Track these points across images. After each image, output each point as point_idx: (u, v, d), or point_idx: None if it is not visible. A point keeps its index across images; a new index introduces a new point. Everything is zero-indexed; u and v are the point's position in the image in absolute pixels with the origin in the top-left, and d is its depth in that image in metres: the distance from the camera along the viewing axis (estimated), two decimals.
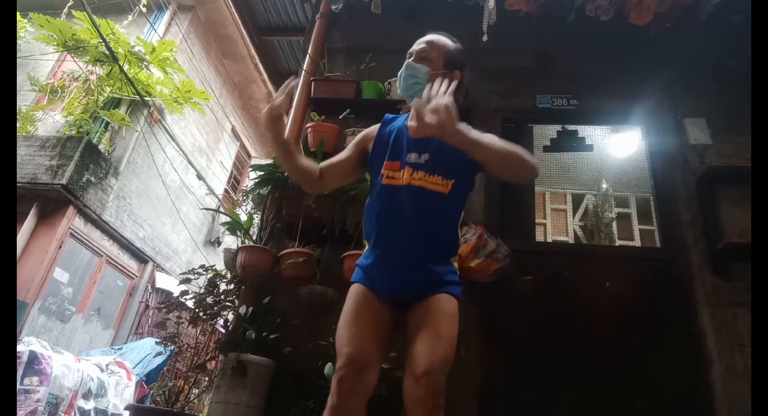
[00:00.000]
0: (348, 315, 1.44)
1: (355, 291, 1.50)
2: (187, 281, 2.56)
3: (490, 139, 1.26)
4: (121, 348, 5.69)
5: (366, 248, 1.58)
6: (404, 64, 1.56)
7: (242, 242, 2.58)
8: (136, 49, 5.87)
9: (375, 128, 1.64)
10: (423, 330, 1.35)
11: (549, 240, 5.26)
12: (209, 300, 2.45)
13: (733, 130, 2.74)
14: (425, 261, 1.44)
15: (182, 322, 2.64)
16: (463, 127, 1.20)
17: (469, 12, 3.10)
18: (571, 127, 3.28)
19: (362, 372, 1.31)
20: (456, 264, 1.55)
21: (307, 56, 3.30)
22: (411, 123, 1.30)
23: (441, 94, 1.21)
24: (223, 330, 2.56)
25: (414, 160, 1.47)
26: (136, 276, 7.16)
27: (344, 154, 1.64)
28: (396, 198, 1.47)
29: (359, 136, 1.67)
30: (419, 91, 1.45)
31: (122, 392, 4.68)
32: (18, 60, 6.42)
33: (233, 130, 9.30)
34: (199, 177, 7.94)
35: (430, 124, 1.18)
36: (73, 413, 4.06)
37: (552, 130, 3.37)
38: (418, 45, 1.60)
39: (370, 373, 1.33)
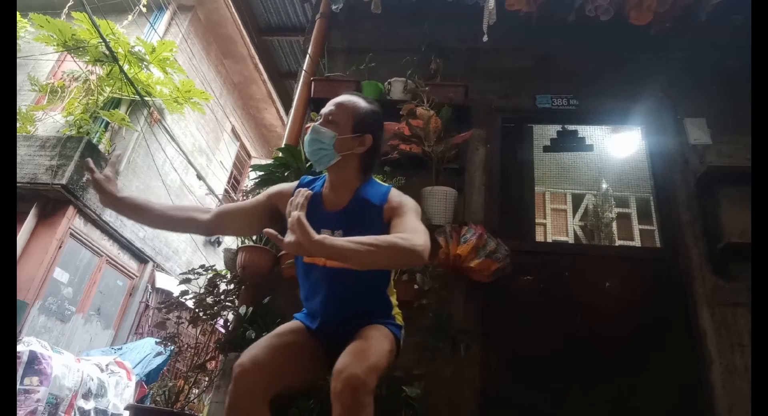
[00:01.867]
0: (272, 332, 1.46)
1: (291, 323, 1.53)
2: (187, 281, 2.56)
3: (359, 240, 1.14)
4: (121, 348, 5.69)
5: None
6: (310, 127, 1.48)
7: (242, 242, 2.58)
8: (136, 49, 5.87)
9: (290, 187, 1.53)
10: (352, 342, 1.32)
11: (549, 240, 5.27)
12: (209, 300, 2.44)
13: (733, 130, 2.74)
14: (354, 321, 1.44)
15: (182, 322, 2.64)
16: (324, 238, 1.10)
17: (469, 12, 3.10)
18: (571, 127, 3.28)
19: (262, 372, 1.29)
20: (397, 317, 1.55)
21: (307, 56, 3.30)
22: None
23: (293, 210, 1.12)
24: (223, 330, 2.56)
25: None
26: (136, 276, 7.16)
27: (249, 204, 1.56)
28: (317, 276, 1.46)
29: (271, 191, 1.56)
30: (325, 156, 1.44)
31: (122, 392, 4.68)
32: (18, 60, 6.42)
33: (233, 130, 9.30)
34: (199, 177, 7.94)
35: (290, 244, 1.09)
36: (73, 413, 4.06)
37: (552, 130, 3.37)
38: (327, 107, 1.50)
39: (274, 377, 1.30)
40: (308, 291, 1.51)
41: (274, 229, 1.11)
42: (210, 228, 1.53)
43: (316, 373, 1.54)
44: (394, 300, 1.57)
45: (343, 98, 1.51)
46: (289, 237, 1.10)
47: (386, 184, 1.54)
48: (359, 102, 1.51)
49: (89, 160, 1.50)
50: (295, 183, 1.58)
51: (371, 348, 1.28)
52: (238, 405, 1.26)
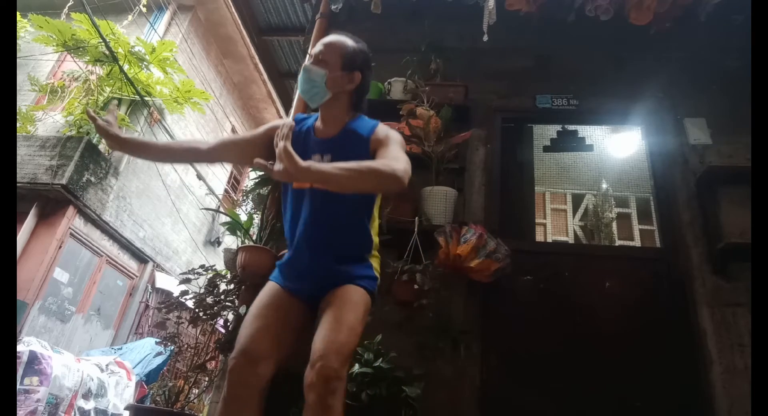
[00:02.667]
0: (253, 310, 1.48)
1: (266, 288, 1.56)
2: (187, 281, 2.56)
3: (343, 166, 1.23)
4: (121, 348, 5.70)
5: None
6: (302, 68, 1.56)
7: (242, 242, 2.57)
8: (136, 49, 5.87)
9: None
10: (324, 318, 1.37)
11: (549, 240, 5.27)
12: (209, 300, 2.44)
13: (733, 130, 2.74)
14: (331, 262, 1.48)
15: (182, 322, 2.64)
16: (310, 164, 1.17)
17: (469, 12, 3.10)
18: (571, 127, 3.28)
19: (254, 364, 1.34)
20: (374, 261, 1.58)
21: (307, 56, 3.29)
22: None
23: (279, 141, 1.18)
24: (223, 330, 2.56)
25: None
26: (136, 276, 7.16)
27: (248, 135, 1.65)
28: (302, 201, 1.52)
29: (270, 124, 1.64)
30: (317, 94, 1.52)
31: (122, 392, 4.68)
32: (18, 60, 6.42)
33: (233, 130, 9.30)
34: (199, 177, 7.95)
35: (278, 172, 1.16)
36: (73, 413, 4.06)
37: (552, 130, 3.37)
38: (317, 47, 1.57)
39: (263, 365, 1.36)
40: (291, 219, 1.56)
41: (269, 161, 1.20)
42: (211, 155, 1.61)
43: (307, 332, 1.55)
44: (376, 238, 1.60)
45: (332, 38, 1.59)
46: (278, 166, 1.16)
47: (375, 120, 1.61)
48: (347, 41, 1.58)
49: (90, 109, 1.63)
50: (289, 119, 1.70)
51: (343, 331, 1.32)
52: (236, 397, 1.33)
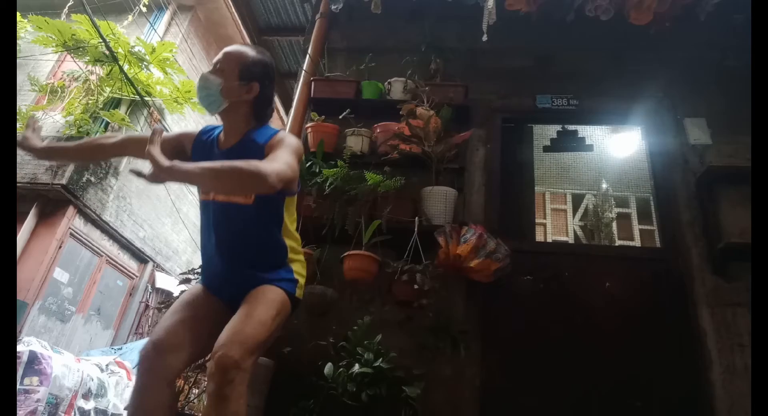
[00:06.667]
0: (172, 307, 1.51)
1: (191, 287, 1.61)
2: (187, 281, 2.56)
3: (206, 164, 1.25)
4: (121, 348, 5.69)
5: None
6: (200, 75, 1.58)
7: None
8: (136, 49, 5.87)
9: (194, 132, 1.68)
10: (236, 314, 1.39)
11: (549, 240, 5.27)
12: None
13: (733, 130, 2.74)
14: (244, 269, 1.50)
15: None
16: (173, 164, 1.19)
17: (469, 12, 3.10)
18: (571, 127, 3.28)
19: (162, 354, 1.37)
20: (296, 265, 1.59)
21: (307, 56, 3.30)
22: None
23: (147, 147, 1.22)
24: None
25: None
26: (136, 276, 7.16)
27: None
28: (208, 213, 1.55)
29: (181, 131, 1.74)
30: (213, 102, 1.54)
31: (122, 392, 4.68)
32: (18, 60, 6.42)
33: None
34: None
35: (149, 175, 1.19)
36: (73, 413, 4.05)
37: (552, 130, 3.37)
38: (218, 56, 1.59)
39: (172, 357, 1.38)
40: (202, 228, 1.59)
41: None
42: (115, 149, 1.67)
43: None
44: (292, 243, 1.60)
45: (232, 48, 1.61)
46: (147, 169, 1.20)
47: (277, 129, 1.62)
48: (247, 51, 1.59)
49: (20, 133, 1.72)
50: (196, 130, 1.72)
51: (251, 323, 1.34)
52: (144, 385, 1.36)
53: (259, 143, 1.51)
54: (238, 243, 1.51)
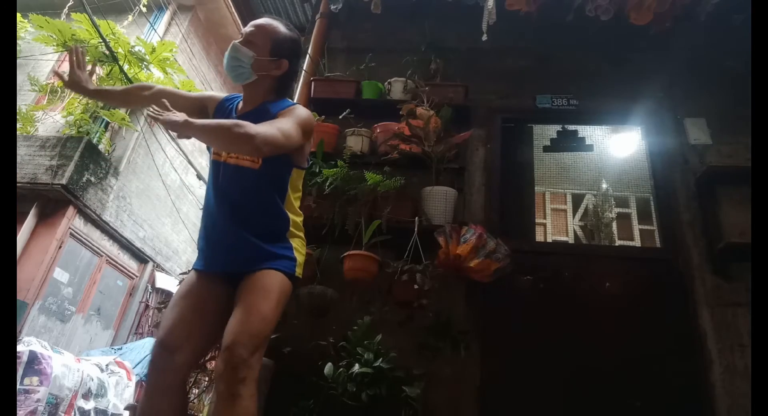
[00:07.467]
0: (171, 302, 1.52)
1: (186, 278, 1.59)
2: None
3: (213, 122, 1.37)
4: (121, 348, 5.70)
5: None
6: (230, 45, 1.57)
7: None
8: (136, 49, 5.87)
9: (219, 97, 1.71)
10: (237, 307, 1.38)
11: (549, 240, 5.27)
12: None
13: (733, 130, 2.74)
14: (242, 232, 1.48)
15: None
16: (187, 119, 1.31)
17: (469, 12, 3.10)
18: (571, 127, 3.27)
19: (170, 353, 1.37)
20: (295, 242, 1.58)
21: (307, 56, 3.30)
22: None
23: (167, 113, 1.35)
24: None
25: None
26: (136, 276, 7.16)
27: (186, 94, 1.75)
28: (218, 174, 1.55)
29: (208, 93, 1.76)
30: (242, 73, 1.54)
31: (122, 392, 4.68)
32: (18, 60, 6.42)
33: None
34: (199, 177, 7.95)
35: (168, 121, 1.32)
36: (73, 413, 4.06)
37: (552, 130, 3.37)
38: (248, 27, 1.59)
39: (179, 355, 1.38)
40: (209, 195, 1.59)
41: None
42: (149, 99, 1.67)
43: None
44: (294, 217, 1.60)
45: (264, 21, 1.60)
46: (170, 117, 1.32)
47: (294, 102, 1.63)
48: (279, 27, 1.59)
49: (56, 70, 1.87)
50: (226, 95, 1.74)
51: (254, 320, 1.34)
52: (155, 384, 1.38)
53: (272, 112, 1.53)
54: (241, 206, 1.51)
